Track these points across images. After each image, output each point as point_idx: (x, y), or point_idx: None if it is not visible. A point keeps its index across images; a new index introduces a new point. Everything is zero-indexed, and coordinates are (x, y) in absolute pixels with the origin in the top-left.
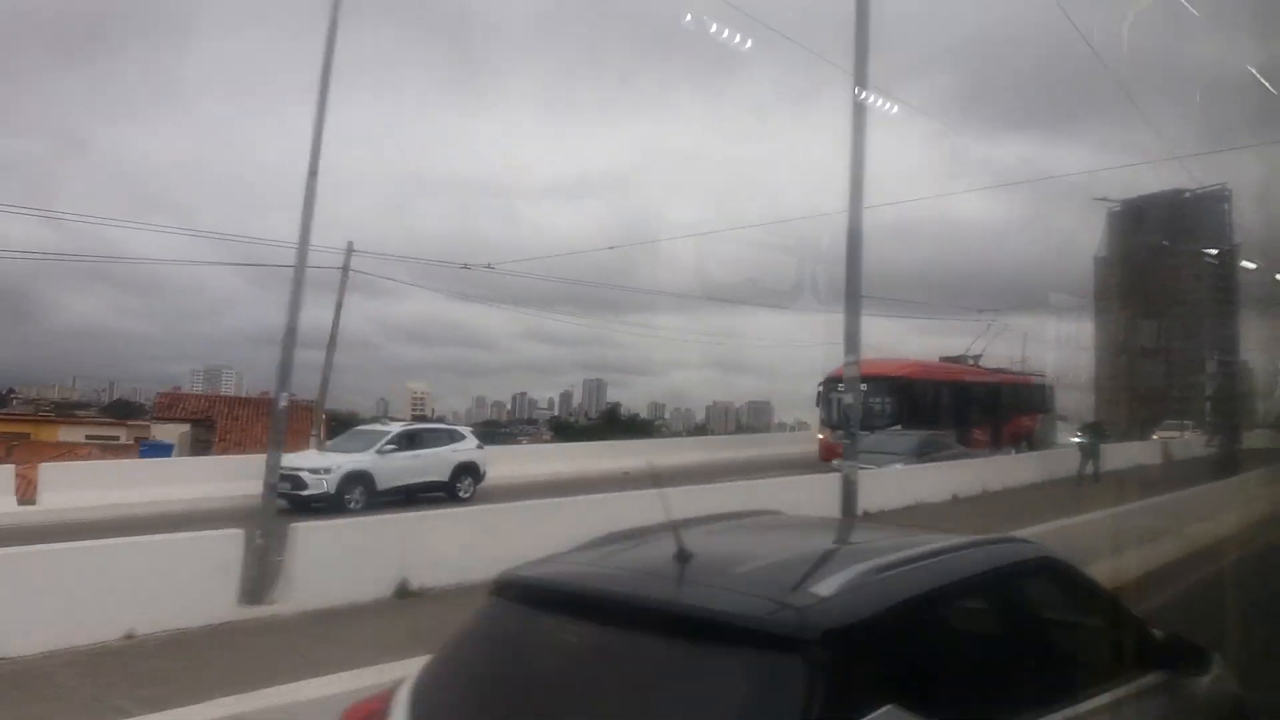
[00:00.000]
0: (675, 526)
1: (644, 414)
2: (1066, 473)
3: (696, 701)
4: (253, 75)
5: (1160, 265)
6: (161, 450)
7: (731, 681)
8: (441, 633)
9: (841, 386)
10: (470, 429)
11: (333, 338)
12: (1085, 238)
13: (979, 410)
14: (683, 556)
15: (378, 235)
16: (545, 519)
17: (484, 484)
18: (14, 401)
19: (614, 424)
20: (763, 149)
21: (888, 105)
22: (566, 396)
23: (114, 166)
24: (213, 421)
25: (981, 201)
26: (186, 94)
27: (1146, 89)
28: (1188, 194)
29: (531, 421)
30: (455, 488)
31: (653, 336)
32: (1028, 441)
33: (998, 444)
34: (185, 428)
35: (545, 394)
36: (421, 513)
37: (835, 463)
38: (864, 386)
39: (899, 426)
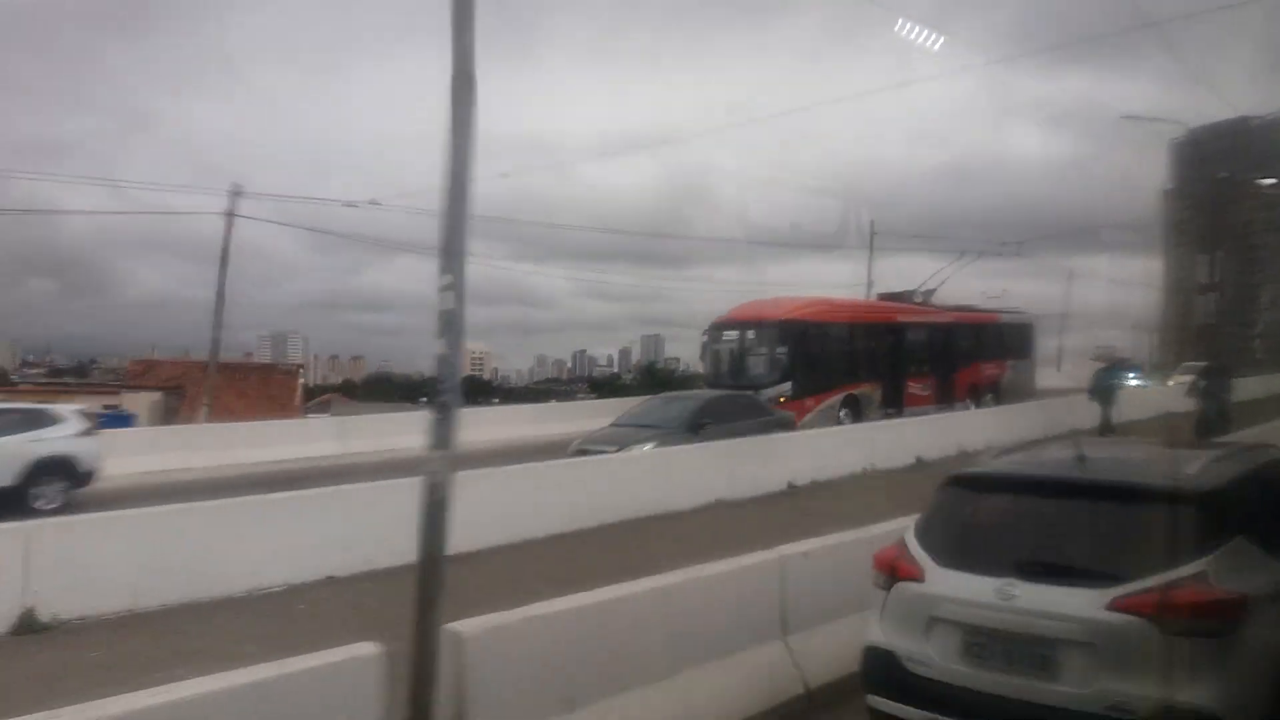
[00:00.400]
0: (1040, 444)
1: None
2: (1065, 426)
3: (1130, 535)
4: (299, 43)
5: (1222, 197)
6: (122, 421)
7: (1154, 522)
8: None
9: (726, 335)
10: (77, 409)
11: (220, 292)
12: (1152, 172)
13: (921, 358)
14: (1082, 458)
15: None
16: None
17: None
18: (95, 371)
19: (653, 379)
20: (806, 94)
21: (935, 40)
22: (625, 353)
23: (177, 140)
24: (183, 389)
25: (1041, 139)
26: (238, 64)
27: (1197, 19)
28: (1255, 121)
29: (590, 379)
30: (29, 494)
31: (708, 288)
32: (993, 393)
33: (949, 398)
34: (157, 396)
35: (605, 351)
36: (64, 519)
37: (575, 443)
38: (750, 334)
39: (788, 385)
